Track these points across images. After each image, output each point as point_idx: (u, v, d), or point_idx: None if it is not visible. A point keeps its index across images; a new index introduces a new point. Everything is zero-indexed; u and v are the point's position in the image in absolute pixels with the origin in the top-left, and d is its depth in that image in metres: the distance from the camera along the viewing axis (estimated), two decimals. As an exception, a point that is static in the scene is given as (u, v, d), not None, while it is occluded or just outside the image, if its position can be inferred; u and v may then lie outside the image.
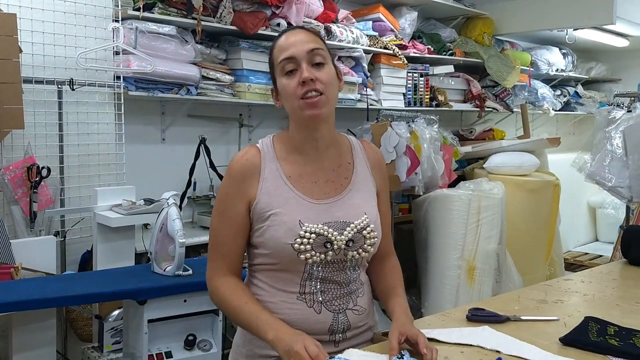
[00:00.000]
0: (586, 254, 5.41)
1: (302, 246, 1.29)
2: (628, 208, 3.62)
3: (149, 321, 2.17)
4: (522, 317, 1.54)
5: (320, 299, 1.33)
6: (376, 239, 1.38)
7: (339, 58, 3.62)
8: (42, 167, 2.55)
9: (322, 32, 3.46)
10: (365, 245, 1.36)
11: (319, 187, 1.36)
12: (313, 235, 1.29)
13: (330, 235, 1.31)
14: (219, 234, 1.38)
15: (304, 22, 3.33)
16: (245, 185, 1.35)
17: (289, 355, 1.18)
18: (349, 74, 3.59)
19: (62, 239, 2.73)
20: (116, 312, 2.55)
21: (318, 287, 1.33)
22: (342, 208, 1.36)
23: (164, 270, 2.28)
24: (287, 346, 1.19)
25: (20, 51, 2.47)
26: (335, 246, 1.32)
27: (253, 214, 1.34)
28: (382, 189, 1.48)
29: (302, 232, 1.29)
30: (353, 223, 1.34)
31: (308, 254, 1.30)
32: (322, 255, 1.31)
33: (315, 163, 1.38)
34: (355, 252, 1.35)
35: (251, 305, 1.32)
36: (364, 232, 1.35)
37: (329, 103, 1.34)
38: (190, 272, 2.26)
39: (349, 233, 1.34)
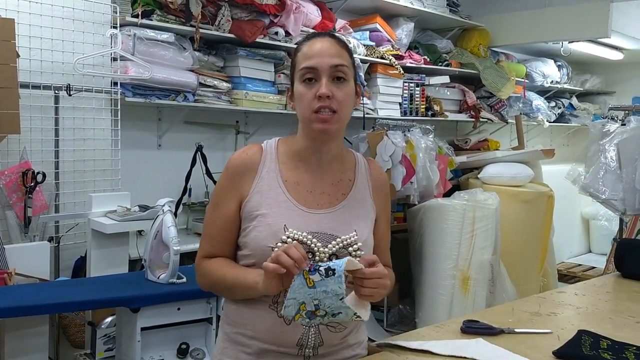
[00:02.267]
0: (579, 265, 5.43)
1: None
2: (621, 221, 3.64)
3: (142, 329, 2.16)
4: (516, 330, 1.55)
5: None
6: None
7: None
8: (38, 173, 2.55)
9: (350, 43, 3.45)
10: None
11: (314, 197, 1.35)
12: (295, 243, 1.25)
13: (313, 245, 1.28)
14: (210, 226, 1.38)
15: (302, 31, 3.34)
16: (241, 181, 1.34)
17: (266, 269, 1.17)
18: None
19: (56, 245, 2.72)
20: (109, 319, 2.53)
21: None
22: (331, 221, 1.32)
23: (158, 278, 2.27)
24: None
25: (18, 56, 2.47)
26: (317, 258, 1.28)
27: (243, 212, 1.33)
28: (382, 212, 1.44)
29: (284, 237, 1.27)
30: (340, 237, 1.31)
31: None
32: None
33: (315, 173, 1.37)
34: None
35: (238, 267, 1.33)
36: (350, 248, 1.30)
37: (341, 121, 1.32)
38: (185, 280, 2.26)
39: (334, 247, 1.30)
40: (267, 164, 1.36)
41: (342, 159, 1.41)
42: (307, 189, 1.35)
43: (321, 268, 1.14)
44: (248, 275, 1.28)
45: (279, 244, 1.26)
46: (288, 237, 1.27)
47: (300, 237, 1.28)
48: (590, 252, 6.01)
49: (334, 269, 1.14)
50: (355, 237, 1.32)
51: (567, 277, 5.03)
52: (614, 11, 4.15)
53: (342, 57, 1.32)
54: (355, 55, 3.63)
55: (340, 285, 1.14)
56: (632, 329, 1.61)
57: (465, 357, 1.37)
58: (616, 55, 5.32)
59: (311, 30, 3.43)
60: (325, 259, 1.29)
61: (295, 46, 1.39)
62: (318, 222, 1.31)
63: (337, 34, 1.60)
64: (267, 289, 1.20)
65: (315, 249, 1.28)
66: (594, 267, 5.23)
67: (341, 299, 1.15)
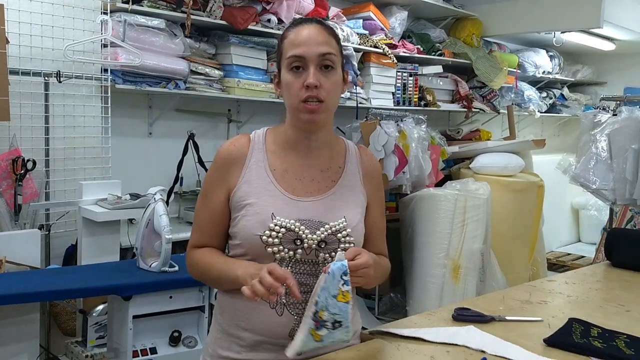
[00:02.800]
0: (569, 254, 5.48)
1: (270, 239, 1.26)
2: (612, 210, 3.67)
3: (134, 317, 2.16)
4: (507, 318, 1.56)
5: (284, 300, 1.28)
6: (352, 245, 1.31)
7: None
8: (28, 160, 2.53)
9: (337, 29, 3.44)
10: (338, 249, 1.29)
11: (302, 184, 1.34)
12: (283, 230, 1.26)
13: (301, 232, 1.27)
14: (199, 216, 1.39)
15: (294, 19, 3.32)
16: (229, 172, 1.34)
17: (251, 278, 1.18)
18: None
19: (47, 233, 2.70)
20: (100, 307, 2.53)
21: (284, 287, 1.27)
22: (320, 208, 1.32)
23: (150, 266, 2.27)
24: (252, 275, 1.19)
25: (7, 42, 2.44)
26: (306, 245, 1.28)
27: (232, 202, 1.33)
28: (373, 199, 1.43)
29: (272, 225, 1.26)
30: (328, 224, 1.30)
31: (276, 248, 1.27)
32: (291, 253, 1.28)
33: (304, 160, 1.36)
34: (327, 255, 1.29)
35: (223, 258, 1.34)
36: (339, 235, 1.29)
37: (328, 110, 1.32)
38: (176, 268, 2.25)
39: (322, 234, 1.29)
40: (255, 154, 1.35)
41: (332, 146, 1.41)
42: (295, 176, 1.35)
43: (327, 323, 1.17)
44: (230, 269, 1.29)
45: (267, 232, 1.26)
46: (276, 225, 1.27)
47: (288, 225, 1.27)
48: (579, 241, 6.07)
49: (341, 321, 1.18)
50: (345, 223, 1.32)
51: (557, 266, 5.08)
52: (606, 1, 4.15)
53: (330, 44, 1.31)
54: (348, 44, 3.62)
55: (347, 333, 1.20)
56: (622, 317, 1.63)
57: (456, 344, 1.38)
58: (608, 46, 5.33)
59: (307, 17, 3.40)
60: (314, 246, 1.28)
61: (284, 32, 1.38)
62: (307, 210, 1.31)
63: (322, 20, 1.58)
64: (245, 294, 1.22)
65: (304, 235, 1.28)
66: (583, 257, 5.28)
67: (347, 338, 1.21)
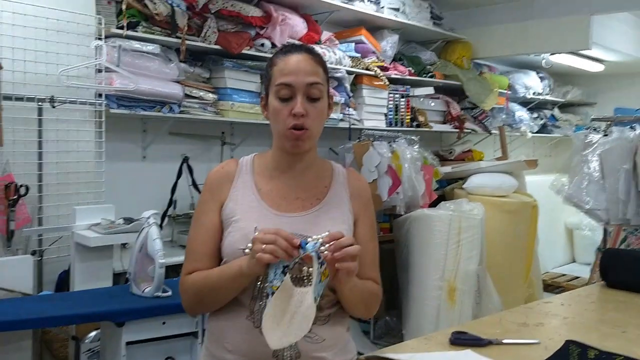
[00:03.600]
0: (564, 275, 5.47)
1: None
2: (605, 230, 3.68)
3: (127, 343, 2.13)
4: (504, 341, 1.55)
5: None
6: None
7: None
8: (21, 185, 2.51)
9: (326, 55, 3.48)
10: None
11: (287, 202, 1.36)
12: (279, 229, 1.24)
13: None
14: (193, 241, 1.39)
15: (286, 44, 3.35)
16: (219, 191, 1.38)
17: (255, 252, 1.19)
18: (332, 94, 3.61)
19: (39, 258, 2.68)
20: (93, 334, 2.50)
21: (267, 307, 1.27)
22: (305, 224, 1.33)
23: (143, 292, 2.25)
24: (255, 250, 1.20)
25: (1, 68, 2.45)
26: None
27: (222, 219, 1.36)
28: (362, 217, 1.42)
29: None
30: (311, 238, 1.27)
31: None
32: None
33: (290, 181, 1.39)
34: (310, 269, 1.26)
35: (221, 266, 1.33)
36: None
37: (312, 137, 1.36)
38: (170, 293, 2.23)
39: None
40: (242, 176, 1.40)
41: (317, 168, 1.43)
42: (280, 195, 1.37)
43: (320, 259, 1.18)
44: (231, 265, 1.29)
45: (249, 245, 1.24)
46: None
47: None
48: (574, 261, 6.07)
49: (315, 297, 1.19)
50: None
51: (552, 287, 5.07)
52: (594, 24, 4.22)
53: (317, 74, 1.35)
54: (340, 67, 3.65)
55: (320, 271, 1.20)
56: (619, 338, 1.63)
57: (454, 369, 1.37)
58: (597, 67, 5.41)
59: (297, 42, 3.44)
60: (297, 259, 1.24)
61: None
62: (291, 225, 1.30)
63: (311, 46, 1.60)
64: (251, 269, 1.22)
65: None
66: (578, 277, 5.28)
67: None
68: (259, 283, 1.29)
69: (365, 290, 1.35)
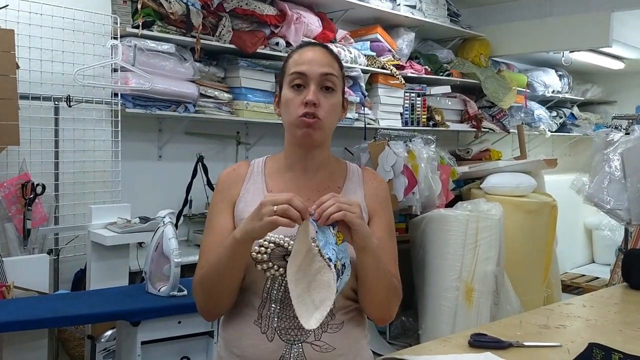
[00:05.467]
0: (583, 275, 5.39)
1: (259, 255, 1.23)
2: (627, 230, 3.61)
3: (142, 343, 2.12)
4: (525, 343, 1.52)
5: (276, 325, 1.25)
6: (341, 277, 1.23)
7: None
8: (37, 184, 2.52)
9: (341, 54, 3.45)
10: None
11: None
12: (272, 245, 1.23)
13: (290, 247, 1.22)
14: (204, 244, 1.37)
15: (302, 41, 3.33)
16: (230, 191, 1.37)
17: (257, 211, 1.16)
18: (347, 93, 3.60)
19: (56, 257, 2.69)
20: (109, 333, 2.50)
21: (277, 311, 1.25)
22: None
23: (159, 291, 2.24)
24: (252, 217, 1.18)
25: (18, 67, 2.45)
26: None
27: (235, 220, 1.34)
28: (377, 215, 1.38)
29: (261, 241, 1.24)
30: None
31: (265, 265, 1.23)
32: (282, 270, 1.23)
33: (301, 182, 1.36)
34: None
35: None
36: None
37: (324, 129, 1.32)
38: (185, 292, 2.22)
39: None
40: (253, 177, 1.38)
41: (331, 168, 1.40)
42: None
43: (340, 271, 1.17)
44: (233, 234, 1.23)
45: (256, 248, 1.23)
46: (265, 240, 1.23)
47: (277, 240, 1.24)
48: (593, 262, 5.98)
49: (344, 262, 1.19)
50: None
51: (571, 287, 5.00)
52: (614, 21, 4.14)
53: (332, 67, 1.34)
54: (356, 66, 3.63)
55: (349, 272, 1.20)
56: (643, 341, 1.58)
57: (474, 372, 1.34)
58: (617, 65, 5.32)
59: (312, 41, 3.42)
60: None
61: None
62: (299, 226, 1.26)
63: (329, 45, 1.59)
64: (251, 235, 1.18)
65: (291, 249, 1.23)
66: (597, 278, 5.20)
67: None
68: (267, 286, 1.27)
69: (387, 278, 1.29)
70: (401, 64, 4.00)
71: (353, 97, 3.62)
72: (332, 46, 3.51)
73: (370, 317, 1.36)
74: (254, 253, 1.23)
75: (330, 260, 1.15)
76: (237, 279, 1.27)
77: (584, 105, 6.12)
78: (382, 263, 1.28)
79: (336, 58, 1.37)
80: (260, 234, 1.18)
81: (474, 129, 4.59)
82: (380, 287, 1.28)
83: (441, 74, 4.31)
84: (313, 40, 3.19)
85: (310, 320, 1.14)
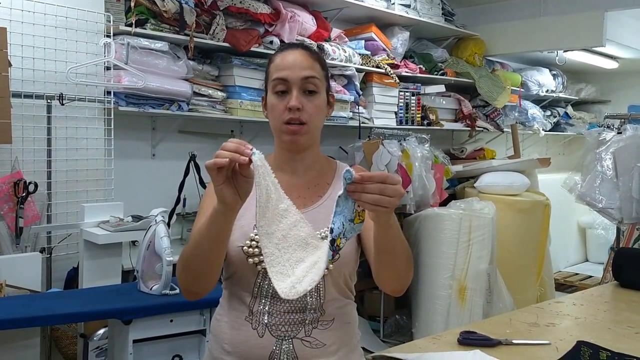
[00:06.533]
0: (576, 274, 5.42)
1: (250, 249, 1.25)
2: (619, 229, 3.63)
3: (135, 341, 2.13)
4: (514, 341, 1.53)
5: (266, 320, 1.26)
6: (338, 255, 1.20)
7: (331, 76, 3.63)
8: (29, 183, 2.52)
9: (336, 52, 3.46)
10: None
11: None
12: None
13: None
14: (194, 226, 1.36)
15: (296, 40, 3.33)
16: None
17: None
18: (341, 92, 3.60)
19: (48, 256, 2.69)
20: (101, 331, 2.50)
21: (267, 307, 1.26)
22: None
23: (151, 289, 2.24)
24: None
25: (10, 65, 2.45)
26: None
27: None
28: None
29: (252, 235, 1.26)
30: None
31: (257, 259, 1.25)
32: None
33: (291, 181, 1.37)
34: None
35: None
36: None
37: (310, 132, 1.33)
38: (177, 291, 2.22)
39: None
40: None
41: (320, 167, 1.41)
42: None
43: (342, 249, 1.08)
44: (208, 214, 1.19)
45: (247, 242, 1.24)
46: (256, 235, 1.24)
47: None
48: (587, 261, 6.00)
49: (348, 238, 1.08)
50: (327, 232, 1.23)
51: (564, 286, 5.01)
52: (608, 20, 4.16)
53: (314, 68, 1.34)
54: (350, 64, 3.63)
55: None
56: (632, 339, 1.59)
57: (462, 370, 1.34)
58: (611, 64, 5.33)
59: (307, 40, 3.42)
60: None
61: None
62: None
63: (308, 44, 1.60)
64: (222, 200, 1.11)
65: None
66: (591, 276, 5.22)
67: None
68: (258, 281, 1.28)
69: (407, 247, 1.24)
70: (396, 63, 4.00)
71: (347, 96, 3.62)
72: (325, 45, 3.51)
73: (387, 290, 1.33)
74: (245, 247, 1.24)
75: (331, 231, 1.06)
76: (215, 254, 1.21)
77: (578, 105, 6.14)
78: (402, 234, 1.23)
79: (317, 58, 1.38)
80: (219, 193, 1.10)
81: (468, 128, 4.60)
82: (402, 259, 1.24)
83: (435, 73, 4.32)
84: (295, 42, 3.18)
85: (282, 285, 1.05)
